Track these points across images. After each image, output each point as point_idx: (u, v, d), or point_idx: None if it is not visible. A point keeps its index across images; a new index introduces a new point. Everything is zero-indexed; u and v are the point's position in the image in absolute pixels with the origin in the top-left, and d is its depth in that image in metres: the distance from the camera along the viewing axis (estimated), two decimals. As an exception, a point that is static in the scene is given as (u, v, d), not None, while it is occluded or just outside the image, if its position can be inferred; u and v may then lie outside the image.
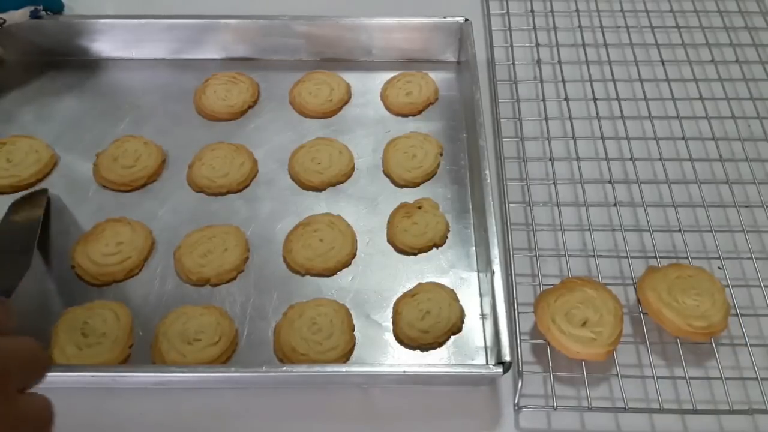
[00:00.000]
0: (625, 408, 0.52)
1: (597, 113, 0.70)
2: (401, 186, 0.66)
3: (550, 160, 0.67)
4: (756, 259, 0.60)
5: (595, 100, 0.71)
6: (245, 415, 0.54)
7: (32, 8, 0.71)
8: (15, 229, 0.60)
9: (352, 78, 0.74)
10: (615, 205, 0.64)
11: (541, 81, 0.74)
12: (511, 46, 0.77)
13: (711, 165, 0.68)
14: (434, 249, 0.62)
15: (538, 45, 0.77)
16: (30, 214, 0.61)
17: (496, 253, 0.56)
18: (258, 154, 0.68)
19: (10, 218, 0.61)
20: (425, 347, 0.56)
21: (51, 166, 0.66)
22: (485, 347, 0.56)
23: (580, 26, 0.79)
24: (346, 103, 0.72)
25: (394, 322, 0.57)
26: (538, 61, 0.75)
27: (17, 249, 0.57)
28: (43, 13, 0.72)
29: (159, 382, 0.54)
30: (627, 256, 0.60)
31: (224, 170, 0.66)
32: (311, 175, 0.66)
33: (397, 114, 0.72)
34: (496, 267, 0.55)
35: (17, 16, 0.70)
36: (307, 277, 0.60)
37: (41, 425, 0.33)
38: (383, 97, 0.73)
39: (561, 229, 0.62)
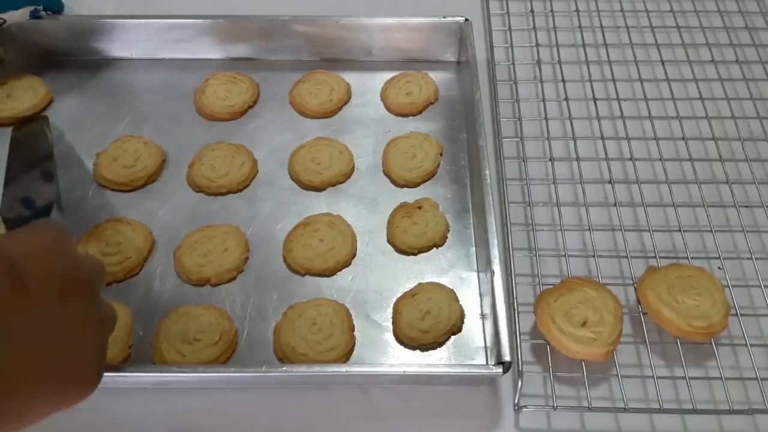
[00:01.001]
0: (625, 408, 0.52)
1: (597, 113, 0.70)
2: (401, 186, 0.66)
3: (550, 160, 0.67)
4: (756, 259, 0.60)
5: (595, 100, 0.71)
6: (245, 415, 0.54)
7: (32, 8, 0.71)
8: (29, 154, 0.65)
9: (352, 78, 0.74)
10: (615, 205, 0.64)
11: (541, 81, 0.74)
12: (511, 46, 0.77)
13: (711, 165, 0.68)
14: (434, 249, 0.62)
15: (538, 45, 0.77)
16: (38, 140, 0.67)
17: (496, 253, 0.56)
18: (258, 154, 0.68)
19: (19, 146, 0.66)
20: (425, 347, 0.56)
21: (47, 101, 0.71)
22: (485, 347, 0.56)
23: (580, 26, 0.79)
24: (346, 103, 0.72)
25: (394, 322, 0.57)
26: (538, 61, 0.75)
27: (39, 174, 0.62)
28: (43, 13, 0.72)
29: (159, 382, 0.54)
30: (627, 256, 0.60)
31: (224, 170, 0.66)
32: (311, 175, 0.66)
33: (397, 114, 0.72)
34: (496, 267, 0.55)
35: (17, 16, 0.70)
36: (307, 277, 0.60)
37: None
38: (383, 97, 0.73)
39: (561, 229, 0.62)
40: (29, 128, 0.68)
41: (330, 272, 0.60)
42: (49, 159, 0.64)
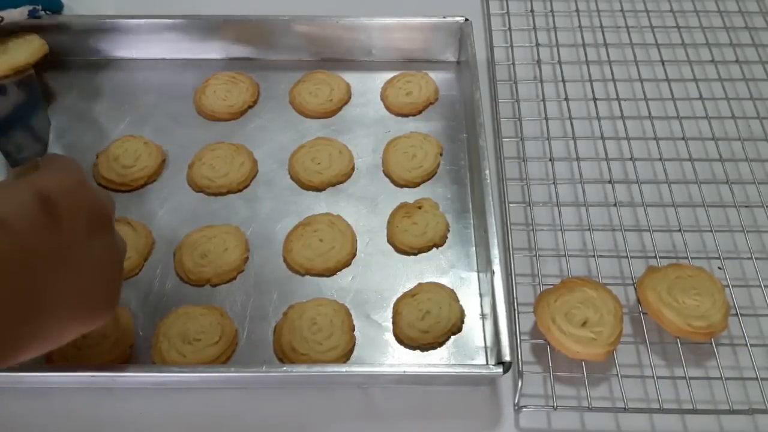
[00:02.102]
0: (625, 408, 0.52)
1: (597, 113, 0.70)
2: (401, 186, 0.66)
3: (550, 160, 0.67)
4: (756, 259, 0.60)
5: (595, 100, 0.71)
6: (245, 415, 0.54)
7: (31, 8, 0.71)
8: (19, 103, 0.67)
9: (352, 78, 0.74)
10: (615, 205, 0.64)
11: (541, 81, 0.74)
12: (511, 46, 0.77)
13: (711, 165, 0.68)
14: (434, 249, 0.62)
15: (538, 45, 0.77)
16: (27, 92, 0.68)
17: (496, 253, 0.56)
18: (258, 154, 0.68)
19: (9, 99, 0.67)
20: (425, 347, 0.56)
21: (42, 53, 0.70)
22: (485, 347, 0.56)
23: (580, 26, 0.79)
24: (346, 103, 0.72)
25: (394, 322, 0.57)
26: (538, 61, 0.75)
27: (33, 126, 0.65)
28: (42, 12, 0.72)
29: (159, 382, 0.54)
30: (627, 256, 0.60)
31: (224, 170, 0.66)
32: (311, 175, 0.66)
33: (397, 114, 0.72)
34: (496, 267, 0.55)
35: (16, 14, 0.70)
36: (307, 277, 0.60)
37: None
38: (383, 97, 0.73)
39: (561, 229, 0.62)
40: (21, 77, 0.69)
41: (330, 272, 0.60)
42: (37, 101, 0.67)
